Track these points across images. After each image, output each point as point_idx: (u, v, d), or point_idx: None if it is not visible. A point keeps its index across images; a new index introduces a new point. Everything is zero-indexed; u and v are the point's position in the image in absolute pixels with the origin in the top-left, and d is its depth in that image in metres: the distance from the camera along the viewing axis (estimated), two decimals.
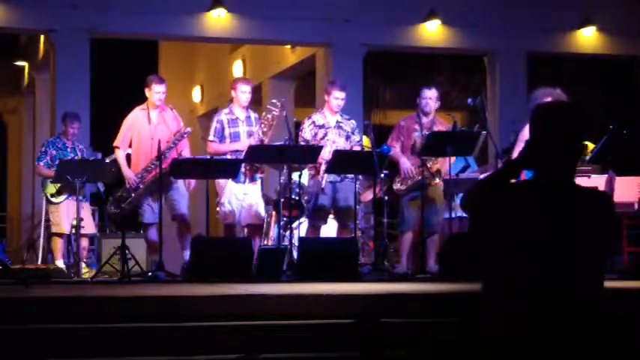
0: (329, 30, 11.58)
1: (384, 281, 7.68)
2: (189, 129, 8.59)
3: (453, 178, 8.73)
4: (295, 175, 8.78)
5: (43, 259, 10.41)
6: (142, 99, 8.59)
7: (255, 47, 13.87)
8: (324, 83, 10.25)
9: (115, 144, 8.60)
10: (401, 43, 12.01)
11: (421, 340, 4.92)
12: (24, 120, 16.15)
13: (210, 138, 8.55)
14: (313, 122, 8.67)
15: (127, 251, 7.85)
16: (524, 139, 6.86)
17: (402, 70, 13.91)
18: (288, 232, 8.55)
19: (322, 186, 8.49)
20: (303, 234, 9.00)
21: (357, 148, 8.65)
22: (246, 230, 8.63)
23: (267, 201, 9.23)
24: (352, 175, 8.52)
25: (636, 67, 13.02)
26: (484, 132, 8.29)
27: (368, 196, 9.56)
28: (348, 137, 8.67)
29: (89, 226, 9.40)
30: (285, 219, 8.74)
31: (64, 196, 9.20)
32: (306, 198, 9.14)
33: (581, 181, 7.76)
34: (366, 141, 8.80)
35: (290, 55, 13.22)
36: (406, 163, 8.60)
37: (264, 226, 9.21)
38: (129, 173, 8.45)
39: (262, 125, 8.51)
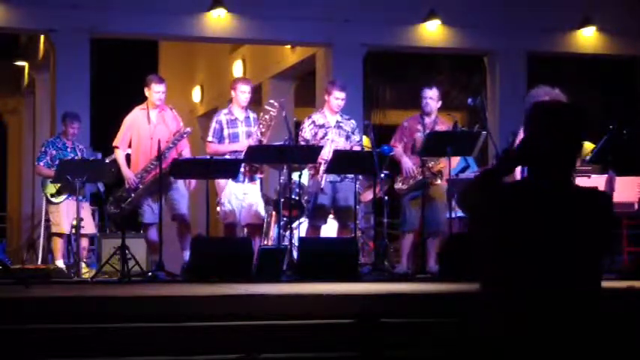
0: (329, 30, 11.58)
1: (384, 281, 7.67)
2: (188, 129, 8.58)
3: (454, 178, 8.73)
4: (295, 175, 8.78)
5: (43, 259, 10.42)
6: (142, 99, 8.59)
7: (255, 47, 13.87)
8: (324, 83, 10.25)
9: (114, 144, 8.59)
10: (401, 43, 12.01)
11: (421, 340, 4.92)
12: (24, 120, 16.15)
13: (209, 139, 8.55)
14: (313, 122, 8.67)
15: (127, 251, 7.85)
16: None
17: (402, 70, 13.91)
18: (288, 232, 8.56)
19: (322, 186, 8.49)
20: (303, 234, 9.00)
21: (357, 148, 8.65)
22: (245, 230, 8.64)
23: (267, 201, 9.23)
24: (352, 175, 8.53)
25: (636, 67, 13.02)
26: (484, 132, 8.29)
27: (368, 196, 9.56)
28: (348, 137, 8.67)
29: (89, 226, 9.40)
30: (285, 219, 8.74)
31: (64, 196, 9.20)
32: (306, 198, 9.14)
33: (581, 181, 7.81)
34: (366, 141, 8.80)
35: (290, 55, 13.22)
36: (408, 163, 8.61)
37: (264, 226, 9.21)
38: (128, 173, 8.45)
39: (260, 126, 8.51)
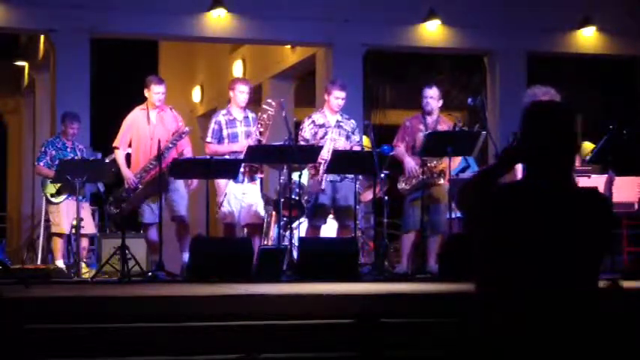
0: (329, 30, 11.58)
1: (384, 281, 7.67)
2: (187, 128, 8.57)
3: (455, 178, 8.72)
4: (295, 175, 8.78)
5: (43, 259, 10.42)
6: (142, 99, 8.59)
7: (255, 47, 13.87)
8: (324, 83, 10.25)
9: (114, 144, 8.60)
10: (401, 43, 12.01)
11: (421, 340, 4.92)
12: (24, 120, 16.14)
13: (208, 139, 8.54)
14: (313, 121, 8.67)
15: (127, 251, 7.85)
16: None
17: (402, 70, 13.91)
18: (288, 232, 8.56)
19: (322, 186, 8.48)
20: (303, 234, 9.00)
21: (357, 148, 8.65)
22: (245, 230, 8.64)
23: (267, 201, 9.23)
24: (352, 175, 8.52)
25: (636, 67, 13.02)
26: (484, 132, 8.28)
27: (368, 196, 9.56)
28: (348, 137, 8.67)
29: (89, 226, 9.40)
30: (285, 219, 8.74)
31: (64, 196, 9.20)
32: (306, 198, 9.14)
33: (581, 181, 7.81)
34: (366, 141, 8.79)
35: (290, 55, 13.21)
36: (410, 162, 8.59)
37: (264, 226, 9.21)
38: (128, 173, 8.45)
39: (259, 126, 8.51)
